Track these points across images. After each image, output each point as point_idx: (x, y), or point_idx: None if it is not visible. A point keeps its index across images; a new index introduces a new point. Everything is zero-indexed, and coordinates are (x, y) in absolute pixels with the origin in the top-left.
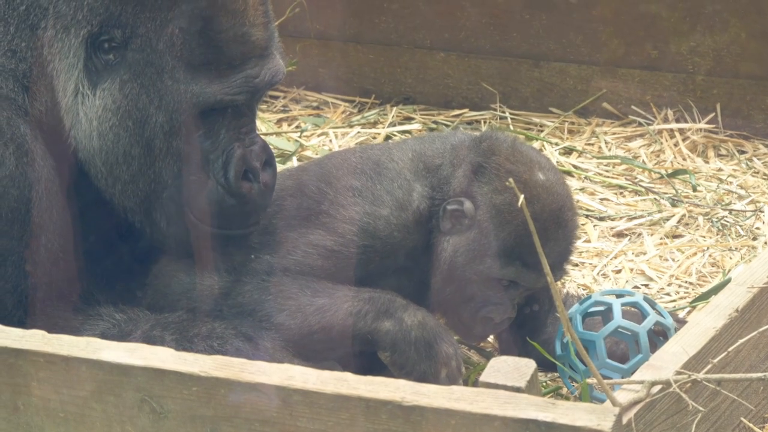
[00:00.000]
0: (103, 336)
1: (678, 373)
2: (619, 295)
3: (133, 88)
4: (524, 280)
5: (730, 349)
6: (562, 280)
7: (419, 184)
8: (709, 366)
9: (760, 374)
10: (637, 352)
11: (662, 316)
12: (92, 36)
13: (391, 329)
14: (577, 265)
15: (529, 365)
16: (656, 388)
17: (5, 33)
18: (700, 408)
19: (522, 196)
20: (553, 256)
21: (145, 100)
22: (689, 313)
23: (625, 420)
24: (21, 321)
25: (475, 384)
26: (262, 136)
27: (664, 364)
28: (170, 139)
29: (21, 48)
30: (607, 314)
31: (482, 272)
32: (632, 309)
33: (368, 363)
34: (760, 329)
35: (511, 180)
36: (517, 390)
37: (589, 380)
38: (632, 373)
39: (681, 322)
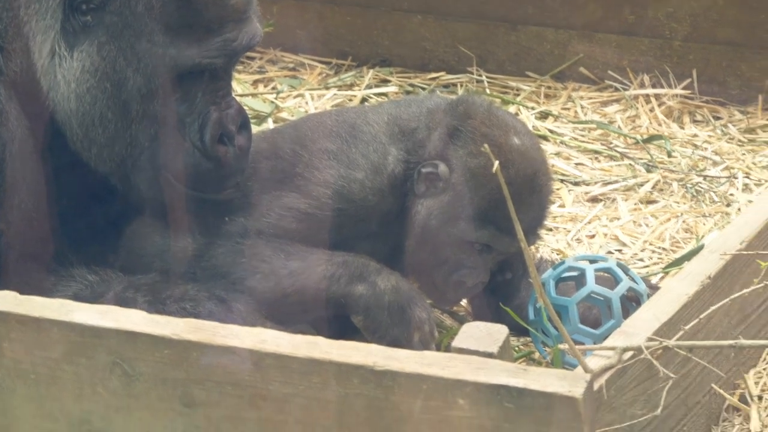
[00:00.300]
0: (76, 297)
1: (650, 339)
2: (592, 261)
3: (110, 51)
4: (498, 243)
5: (701, 316)
6: (536, 245)
7: (394, 147)
8: (680, 333)
9: (731, 341)
10: (610, 317)
11: (635, 282)
12: (75, 1)
13: (365, 293)
14: (551, 229)
15: (501, 331)
16: (628, 355)
17: None
18: (671, 375)
19: (497, 162)
20: (527, 221)
21: (122, 62)
22: (662, 278)
23: (596, 386)
24: None
25: (448, 348)
26: (238, 97)
27: (636, 330)
28: (147, 101)
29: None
30: (580, 279)
31: (456, 235)
32: (605, 275)
33: (342, 326)
34: (732, 296)
35: (486, 146)
36: (489, 355)
37: (561, 346)
38: (604, 339)
39: (654, 288)
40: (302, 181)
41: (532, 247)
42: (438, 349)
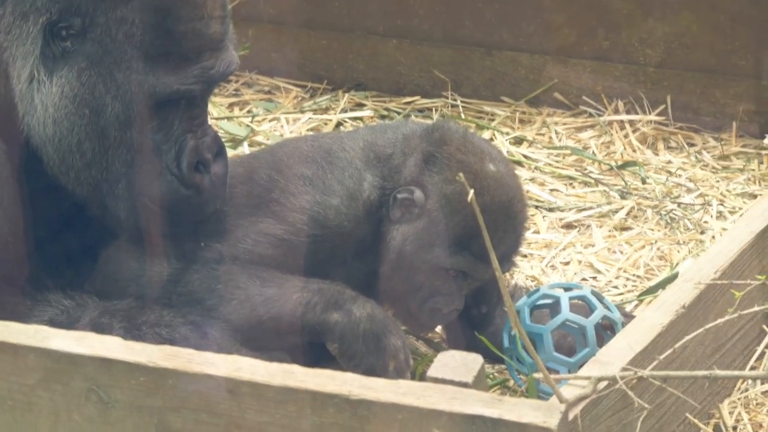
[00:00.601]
0: (52, 322)
1: (624, 369)
2: (567, 289)
3: (90, 77)
4: (472, 270)
5: (676, 346)
6: (511, 272)
7: (370, 173)
8: (655, 362)
9: (705, 372)
10: (584, 345)
11: (609, 310)
12: (51, 23)
13: (340, 321)
14: (525, 256)
15: (476, 360)
16: (602, 384)
17: None
18: (646, 405)
19: (471, 191)
20: (502, 248)
21: (101, 89)
22: (636, 306)
23: (571, 416)
24: None
25: (423, 376)
26: (213, 121)
27: (611, 359)
28: (125, 128)
29: None
30: (555, 307)
31: (430, 261)
32: (580, 302)
33: (318, 354)
34: (706, 326)
35: (461, 174)
36: (465, 385)
37: (535, 374)
38: (579, 367)
39: (628, 317)
40: (278, 207)
41: (507, 274)
42: (413, 376)
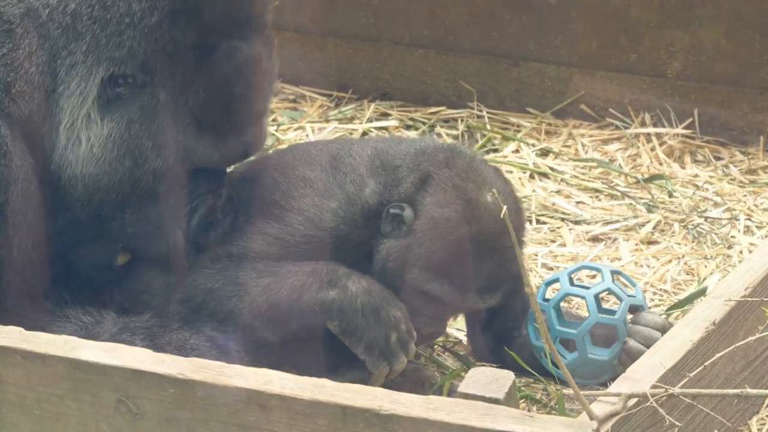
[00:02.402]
0: None
1: (654, 386)
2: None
3: (140, 130)
4: (447, 298)
5: (706, 363)
6: (537, 284)
7: (373, 180)
8: (685, 380)
9: (736, 390)
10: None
11: (634, 296)
12: (115, 72)
13: (337, 298)
14: (551, 269)
15: (507, 377)
16: (633, 401)
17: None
18: (677, 423)
19: (504, 207)
20: (482, 282)
21: (148, 144)
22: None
23: None
24: None
25: (451, 391)
26: None
27: (641, 376)
28: (157, 182)
29: (21, 64)
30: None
31: (409, 282)
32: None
33: (338, 360)
34: (737, 343)
35: (494, 190)
36: (496, 401)
37: (566, 391)
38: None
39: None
40: (278, 209)
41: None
42: (440, 392)
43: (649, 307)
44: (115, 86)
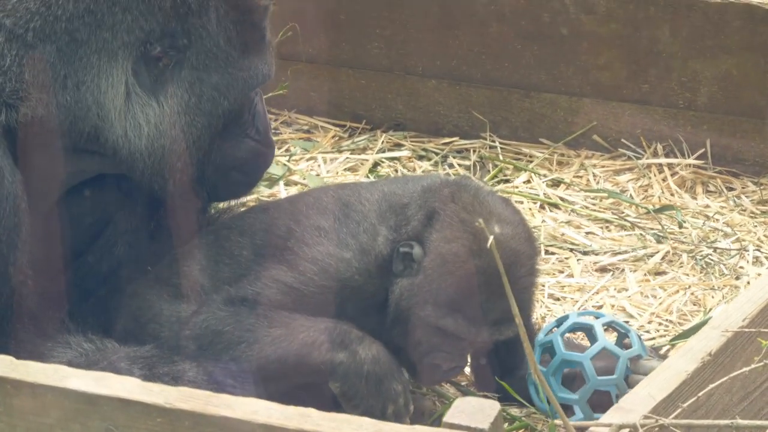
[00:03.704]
0: (71, 365)
1: (646, 417)
2: (596, 317)
3: (201, 86)
4: (463, 333)
5: (700, 394)
6: (542, 315)
7: (384, 227)
8: (678, 411)
9: (727, 421)
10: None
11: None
12: (150, 52)
13: (345, 361)
14: (558, 299)
15: (493, 407)
16: None
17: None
18: None
19: (491, 237)
20: (496, 313)
21: (213, 93)
22: (668, 351)
23: None
24: None
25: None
26: None
27: (633, 407)
28: (228, 117)
29: (13, 70)
30: (589, 333)
31: (423, 319)
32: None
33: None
34: (732, 374)
35: (480, 220)
36: (481, 431)
37: (556, 422)
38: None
39: (659, 356)
40: (292, 256)
41: (539, 317)
42: (437, 423)
43: (653, 344)
44: (157, 61)
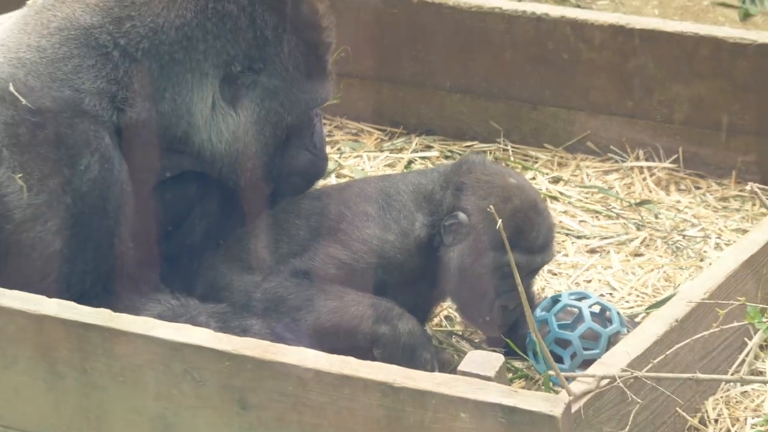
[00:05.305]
0: (159, 317)
1: (623, 370)
2: (583, 297)
3: (271, 103)
4: (528, 261)
5: (668, 353)
6: (542, 287)
7: (421, 213)
8: (649, 365)
9: (688, 375)
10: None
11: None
12: (233, 72)
13: (386, 333)
14: (555, 274)
15: (498, 359)
16: (604, 382)
17: (105, 66)
18: (638, 400)
19: (500, 221)
20: (540, 240)
21: (280, 110)
22: (643, 318)
23: (574, 407)
24: (97, 296)
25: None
26: None
27: (613, 362)
28: (290, 131)
29: (124, 81)
30: (578, 316)
31: (488, 265)
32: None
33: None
34: (694, 337)
35: (491, 207)
36: (488, 379)
37: (550, 372)
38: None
39: (634, 324)
40: (344, 236)
41: (538, 287)
42: (454, 370)
43: (631, 312)
44: (236, 80)
